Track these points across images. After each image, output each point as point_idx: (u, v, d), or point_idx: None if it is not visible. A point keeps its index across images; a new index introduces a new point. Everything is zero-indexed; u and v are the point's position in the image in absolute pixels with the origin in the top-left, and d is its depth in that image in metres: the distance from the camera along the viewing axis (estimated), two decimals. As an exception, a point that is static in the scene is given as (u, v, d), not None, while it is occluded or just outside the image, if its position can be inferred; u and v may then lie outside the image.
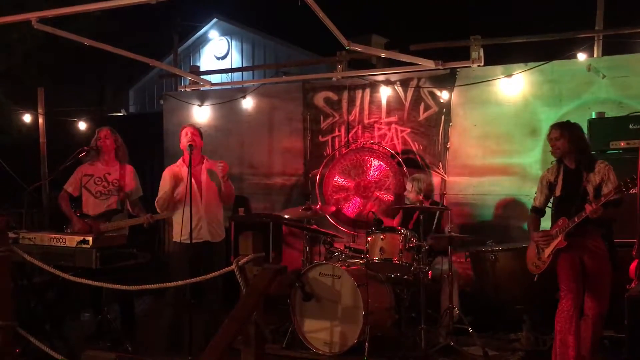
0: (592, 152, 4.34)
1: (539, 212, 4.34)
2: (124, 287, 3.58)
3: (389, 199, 6.12)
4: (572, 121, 4.28)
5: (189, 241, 4.56)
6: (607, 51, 5.79)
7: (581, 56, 5.73)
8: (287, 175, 6.86)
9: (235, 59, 13.99)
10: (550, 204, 4.32)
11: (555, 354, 3.98)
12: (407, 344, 4.70)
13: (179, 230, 4.77)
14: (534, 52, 6.25)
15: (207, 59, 14.29)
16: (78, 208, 5.18)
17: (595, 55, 5.74)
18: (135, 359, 3.27)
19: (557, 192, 4.16)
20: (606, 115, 5.13)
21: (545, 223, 4.32)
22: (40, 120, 7.30)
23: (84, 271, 4.47)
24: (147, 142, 7.77)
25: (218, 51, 14.24)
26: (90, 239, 4.14)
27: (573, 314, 3.89)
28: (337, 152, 6.50)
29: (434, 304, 5.08)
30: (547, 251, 4.09)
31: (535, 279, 4.20)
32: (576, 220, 3.92)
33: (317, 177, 6.47)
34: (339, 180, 6.37)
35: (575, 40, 5.97)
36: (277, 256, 6.35)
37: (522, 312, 4.83)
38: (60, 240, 4.21)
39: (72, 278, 3.84)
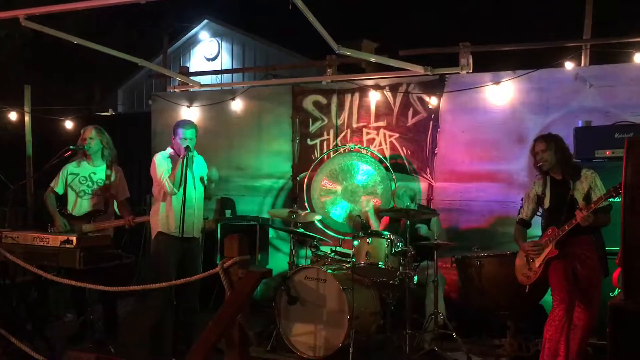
0: (577, 161, 4.37)
1: (525, 224, 4.37)
2: (106, 288, 3.55)
3: (377, 203, 6.13)
4: (554, 132, 4.33)
5: (176, 234, 4.45)
6: (594, 60, 5.84)
7: (569, 65, 5.79)
8: (274, 177, 6.85)
9: (225, 61, 13.95)
10: (539, 214, 4.34)
11: None
12: (392, 349, 4.70)
13: (168, 222, 4.60)
14: (522, 59, 6.30)
15: (197, 60, 14.24)
16: (64, 207, 5.13)
17: (582, 64, 5.80)
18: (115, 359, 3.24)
19: (546, 205, 4.16)
20: (592, 124, 5.17)
21: (536, 231, 4.36)
22: (27, 118, 7.24)
23: (67, 271, 4.44)
24: (135, 142, 7.72)
25: (208, 52, 14.19)
26: (74, 239, 4.09)
27: (565, 324, 3.90)
28: (325, 156, 6.50)
29: (420, 309, 5.09)
30: (538, 261, 4.09)
31: (526, 290, 4.20)
32: (567, 228, 3.93)
33: (305, 180, 6.47)
34: (326, 184, 6.37)
35: (563, 49, 6.03)
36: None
37: (507, 318, 4.84)
38: (44, 239, 4.15)
39: (54, 278, 3.80)
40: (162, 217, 4.62)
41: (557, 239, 3.98)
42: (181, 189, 4.41)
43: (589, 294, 3.99)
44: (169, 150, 4.77)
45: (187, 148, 4.48)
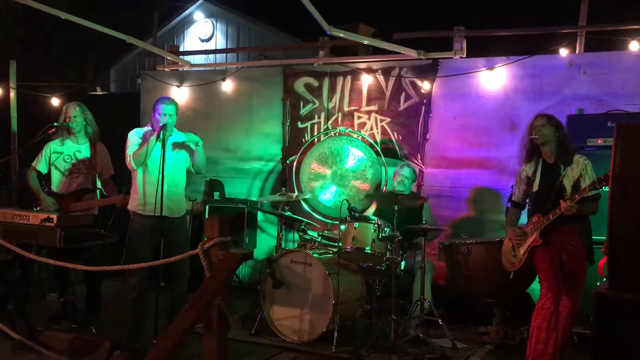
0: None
1: (518, 206, 4.33)
2: (84, 268, 3.49)
3: (366, 187, 6.07)
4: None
5: (151, 214, 4.22)
6: (589, 47, 5.76)
7: (563, 52, 5.70)
8: (264, 160, 6.78)
9: (219, 42, 13.78)
10: None
11: (530, 349, 3.97)
12: (377, 334, 4.66)
13: (137, 201, 4.42)
14: (516, 45, 6.21)
15: (192, 40, 14.06)
16: (47, 186, 5.03)
17: (577, 51, 5.71)
18: (93, 340, 3.19)
19: (535, 188, 4.12)
20: (585, 112, 5.11)
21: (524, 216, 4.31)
22: (12, 94, 7.12)
23: (49, 250, 4.37)
24: (126, 121, 7.60)
25: (203, 33, 14.01)
26: (54, 217, 4.02)
27: (553, 311, 3.89)
28: (315, 139, 6.42)
29: (407, 295, 5.05)
30: (522, 249, 4.07)
31: (510, 276, 4.19)
32: (551, 217, 3.89)
33: (295, 163, 6.40)
34: (316, 167, 6.30)
35: (558, 35, 5.93)
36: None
37: (493, 306, 4.82)
38: (24, 217, 4.08)
39: (32, 256, 3.74)
40: (132, 197, 4.49)
41: (541, 228, 3.95)
42: (153, 165, 4.28)
43: (574, 283, 3.96)
44: (147, 127, 4.54)
45: (164, 126, 4.27)
